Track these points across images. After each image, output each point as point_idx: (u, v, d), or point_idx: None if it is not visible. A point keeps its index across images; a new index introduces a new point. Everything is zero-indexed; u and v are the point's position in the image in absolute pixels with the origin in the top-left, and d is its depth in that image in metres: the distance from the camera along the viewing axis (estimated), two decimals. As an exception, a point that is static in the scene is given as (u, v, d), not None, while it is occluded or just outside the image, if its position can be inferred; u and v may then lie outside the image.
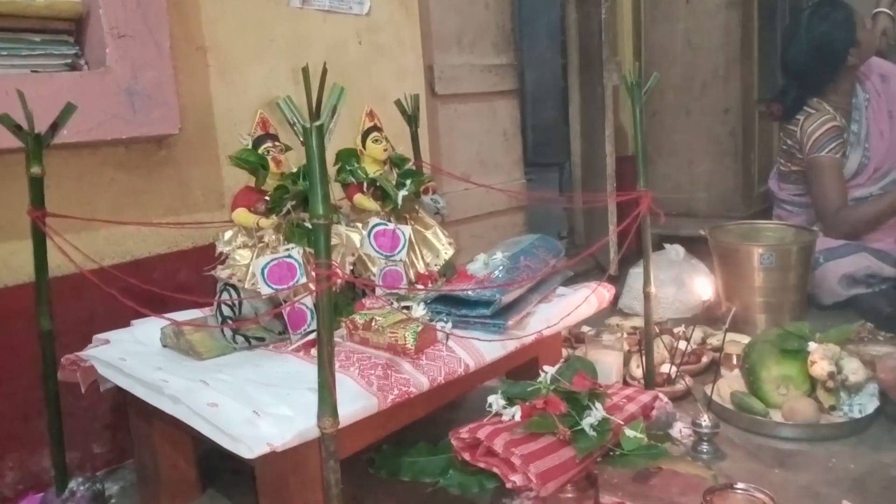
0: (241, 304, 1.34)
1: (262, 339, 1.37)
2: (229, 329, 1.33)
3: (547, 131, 7.02)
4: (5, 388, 1.49)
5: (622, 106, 3.23)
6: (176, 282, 1.72)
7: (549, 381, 1.28)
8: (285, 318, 1.31)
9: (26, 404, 1.49)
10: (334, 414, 0.94)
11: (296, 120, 0.88)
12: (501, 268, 1.49)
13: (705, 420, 1.53)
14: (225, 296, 1.34)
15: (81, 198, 1.57)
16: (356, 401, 1.12)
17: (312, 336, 1.31)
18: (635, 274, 2.53)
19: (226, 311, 1.34)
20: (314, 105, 0.88)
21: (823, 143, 2.45)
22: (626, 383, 1.84)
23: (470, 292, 1.37)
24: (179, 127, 1.59)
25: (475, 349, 1.32)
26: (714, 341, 2.04)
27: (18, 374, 1.48)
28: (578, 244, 3.54)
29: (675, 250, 2.47)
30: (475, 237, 2.74)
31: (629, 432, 1.22)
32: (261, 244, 1.35)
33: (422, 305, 1.36)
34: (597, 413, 1.22)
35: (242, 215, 1.33)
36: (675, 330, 2.15)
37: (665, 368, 1.85)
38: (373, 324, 1.29)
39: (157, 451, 1.40)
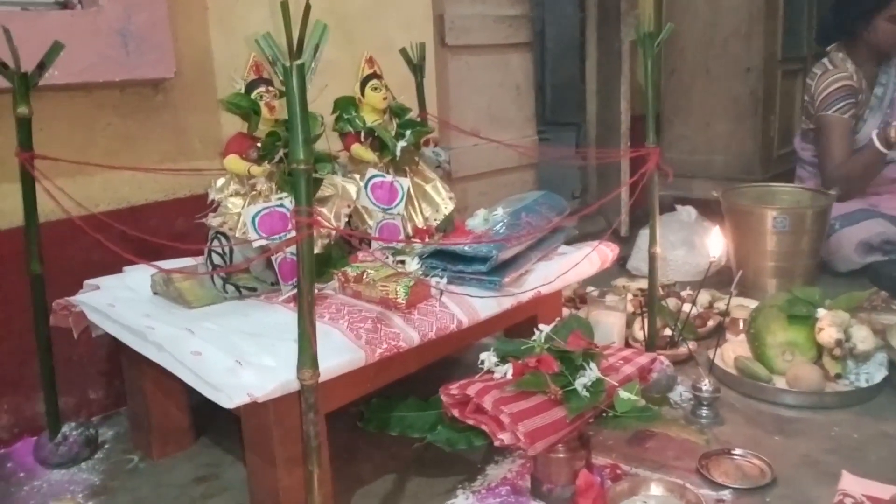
0: (231, 252, 1.31)
1: (253, 290, 1.34)
2: (220, 278, 1.31)
3: (565, 89, 6.88)
4: (0, 331, 1.48)
5: (640, 63, 3.13)
6: (172, 230, 1.70)
7: (543, 340, 1.25)
8: (276, 268, 1.29)
9: (21, 348, 1.49)
10: (314, 365, 0.92)
11: (276, 59, 0.83)
12: (501, 224, 1.45)
13: (706, 384, 1.50)
14: (216, 244, 1.31)
15: (75, 142, 1.54)
16: (343, 353, 1.10)
17: (303, 287, 1.28)
18: (645, 235, 2.46)
19: (216, 259, 1.31)
20: (295, 43, 0.83)
21: (832, 102, 2.39)
22: (628, 345, 1.81)
23: (466, 247, 1.33)
24: (175, 70, 1.55)
25: (470, 305, 1.29)
26: (721, 305, 1.99)
27: (12, 317, 1.47)
28: (591, 204, 3.48)
29: (687, 212, 2.41)
30: (483, 194, 2.69)
31: (623, 394, 1.19)
32: (253, 192, 1.31)
33: (416, 260, 1.32)
34: (591, 373, 1.19)
35: (234, 162, 1.30)
36: (682, 293, 2.10)
37: (669, 331, 1.82)
38: (364, 277, 1.26)
39: (148, 399, 1.40)
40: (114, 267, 1.49)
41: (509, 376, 1.20)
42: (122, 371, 1.47)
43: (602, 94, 3.22)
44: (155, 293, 1.34)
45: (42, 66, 1.22)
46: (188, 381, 1.05)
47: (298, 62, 0.83)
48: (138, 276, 1.40)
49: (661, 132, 3.22)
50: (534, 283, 1.41)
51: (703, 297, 2.03)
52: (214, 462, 1.43)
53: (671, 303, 2.00)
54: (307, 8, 0.85)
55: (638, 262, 2.44)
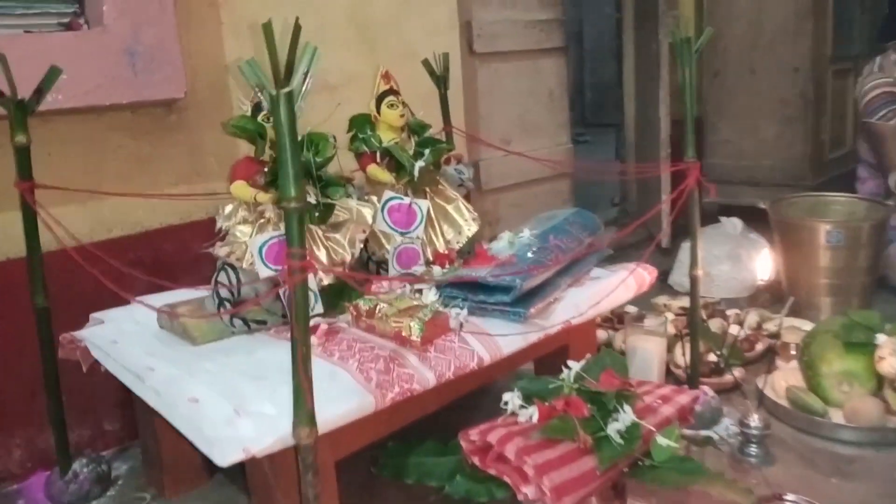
0: (240, 284, 1.24)
1: (263, 323, 1.27)
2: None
3: (605, 90, 6.74)
4: (12, 362, 1.44)
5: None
6: (189, 254, 1.63)
7: (572, 380, 1.14)
8: (283, 300, 1.21)
9: (33, 380, 1.43)
10: (311, 422, 0.83)
11: (262, 87, 0.75)
12: (527, 248, 1.35)
13: (754, 420, 1.38)
14: (223, 276, 1.24)
15: (87, 165, 1.49)
16: (351, 398, 1.01)
17: (315, 321, 1.20)
18: (688, 248, 2.33)
19: (223, 292, 1.24)
20: (283, 69, 0.75)
21: (873, 109, 2.29)
22: (669, 371, 1.69)
23: (488, 276, 1.23)
24: (185, 90, 1.48)
25: (492, 340, 1.20)
26: (771, 327, 1.85)
27: (25, 348, 1.42)
28: (631, 212, 3.34)
29: (732, 223, 2.27)
30: (514, 206, 2.59)
31: (661, 441, 1.08)
32: (262, 220, 1.24)
33: (433, 290, 1.23)
34: (625, 417, 1.09)
35: (240, 188, 1.22)
36: (728, 312, 1.97)
37: (714, 357, 1.69)
38: (377, 311, 1.17)
39: (159, 435, 1.33)
40: (129, 293, 1.44)
41: (535, 420, 1.10)
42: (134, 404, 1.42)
43: (640, 98, 3.09)
44: (161, 327, 1.28)
45: (39, 93, 1.17)
46: (183, 431, 0.98)
47: (286, 90, 0.74)
48: (146, 308, 1.33)
49: (704, 136, 3.07)
50: (563, 314, 1.30)
51: (751, 317, 1.90)
52: (228, 501, 1.36)
53: (715, 324, 1.87)
54: (296, 29, 0.77)
55: (680, 276, 2.31)
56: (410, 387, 1.06)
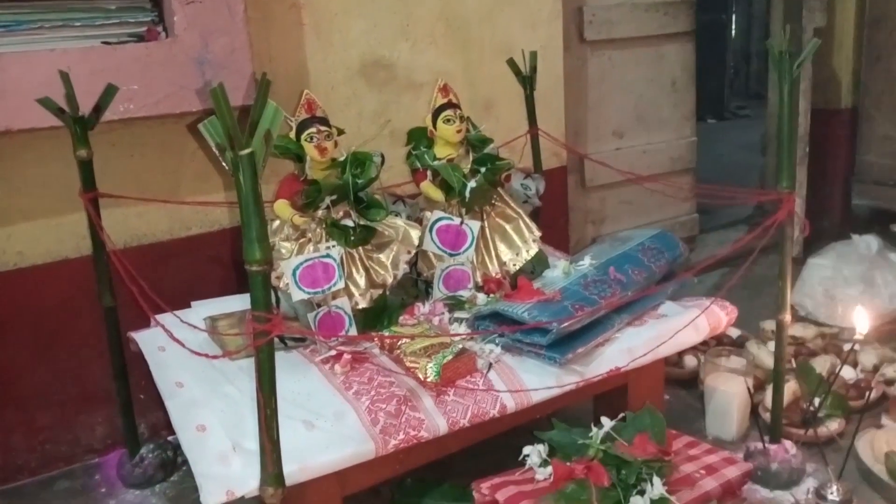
0: (278, 300, 1.24)
1: (302, 340, 1.27)
2: (264, 328, 1.25)
3: (773, 60, 6.12)
4: (95, 347, 1.55)
5: (837, 46, 2.64)
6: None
7: (599, 440, 1.05)
8: (312, 324, 1.19)
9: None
10: (277, 482, 0.82)
11: (223, 147, 0.72)
12: (581, 281, 1.24)
13: (833, 492, 1.21)
14: (262, 292, 1.25)
15: (165, 167, 1.56)
16: (349, 443, 0.99)
17: (341, 348, 1.18)
18: (815, 265, 2.08)
19: (261, 309, 1.25)
20: (247, 128, 0.71)
21: None
22: (754, 413, 1.51)
23: (525, 313, 1.15)
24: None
25: (521, 384, 1.12)
26: (890, 372, 1.61)
27: (104, 335, 1.52)
28: (768, 210, 3.04)
29: (866, 242, 1.98)
30: (625, 203, 2.43)
31: (690, 523, 0.97)
32: (302, 239, 1.23)
33: (464, 325, 1.17)
34: (652, 491, 0.98)
35: (281, 208, 1.22)
36: (847, 347, 1.73)
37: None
38: (398, 345, 1.13)
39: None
40: (212, 289, 1.51)
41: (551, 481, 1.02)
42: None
43: (787, 84, 2.77)
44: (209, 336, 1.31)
45: (98, 110, 1.22)
46: (188, 458, 0.99)
47: (247, 151, 0.71)
48: (204, 313, 1.37)
49: (858, 130, 2.71)
50: (612, 359, 1.19)
51: (868, 356, 1.66)
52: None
53: (823, 362, 1.65)
54: (264, 85, 0.73)
55: (801, 297, 2.06)
56: (417, 434, 1.02)
